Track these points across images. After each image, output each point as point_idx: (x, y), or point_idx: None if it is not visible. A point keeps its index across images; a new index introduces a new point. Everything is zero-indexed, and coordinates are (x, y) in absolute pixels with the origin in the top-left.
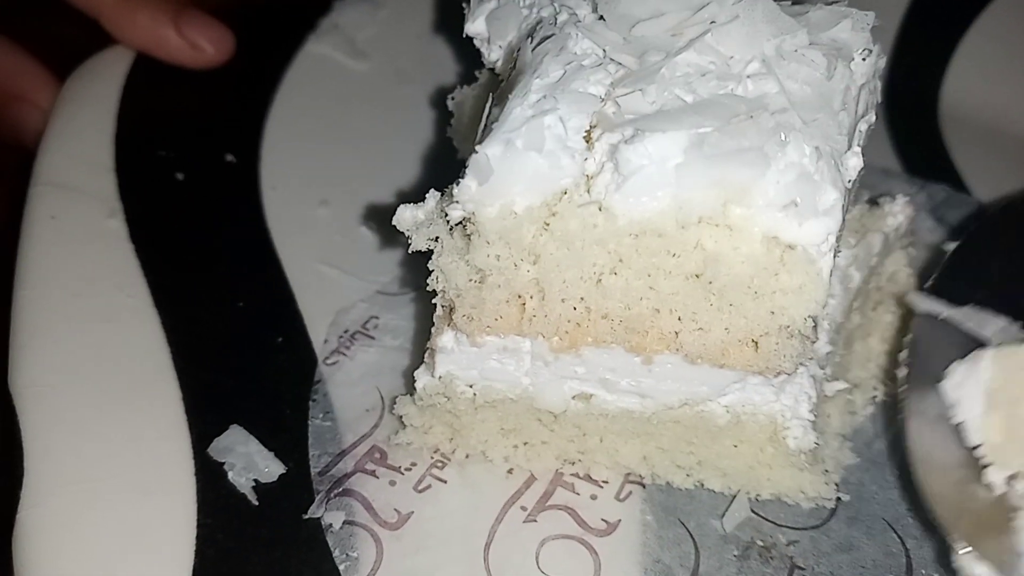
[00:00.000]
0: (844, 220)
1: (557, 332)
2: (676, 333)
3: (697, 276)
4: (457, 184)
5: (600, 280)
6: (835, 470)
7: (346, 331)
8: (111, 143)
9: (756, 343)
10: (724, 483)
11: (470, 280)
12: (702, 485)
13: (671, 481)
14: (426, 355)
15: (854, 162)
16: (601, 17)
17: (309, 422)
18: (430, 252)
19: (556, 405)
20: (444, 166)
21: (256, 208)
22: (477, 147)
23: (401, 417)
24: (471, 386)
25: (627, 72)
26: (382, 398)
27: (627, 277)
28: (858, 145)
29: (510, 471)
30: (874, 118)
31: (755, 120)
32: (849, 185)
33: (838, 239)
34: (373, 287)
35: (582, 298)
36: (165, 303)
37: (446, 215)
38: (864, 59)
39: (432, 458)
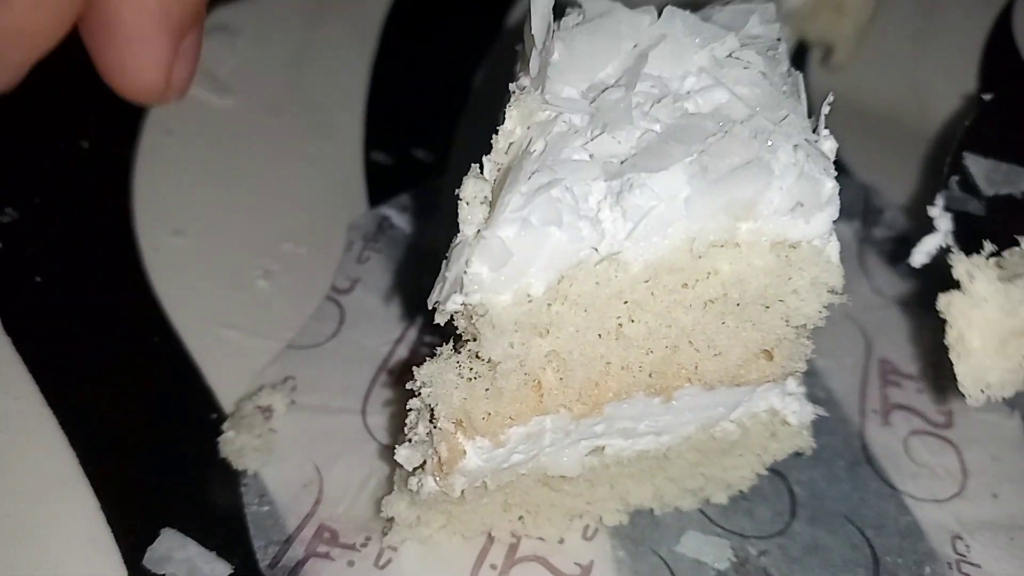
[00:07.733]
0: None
1: (580, 398)
2: (696, 365)
3: (712, 302)
4: (466, 273)
5: (620, 331)
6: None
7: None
8: None
9: (770, 353)
10: (728, 492)
11: (470, 379)
12: (708, 501)
13: (679, 507)
14: (431, 465)
15: (829, 144)
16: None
17: (245, 510)
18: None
19: (572, 469)
20: (330, 200)
21: (140, 276)
22: (484, 231)
23: (392, 518)
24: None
25: (591, 120)
26: (318, 470)
27: (646, 320)
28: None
29: None
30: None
31: (732, 135)
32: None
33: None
34: (281, 343)
35: (602, 355)
36: (58, 401)
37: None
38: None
39: (384, 530)
